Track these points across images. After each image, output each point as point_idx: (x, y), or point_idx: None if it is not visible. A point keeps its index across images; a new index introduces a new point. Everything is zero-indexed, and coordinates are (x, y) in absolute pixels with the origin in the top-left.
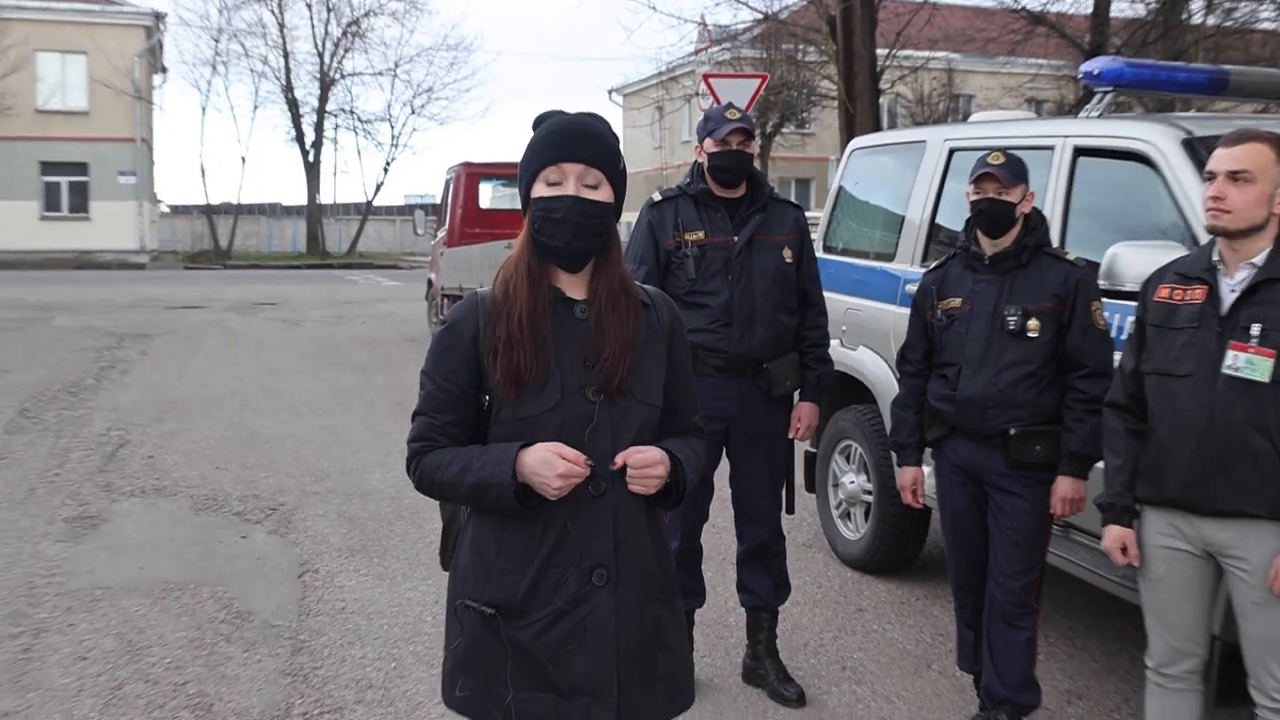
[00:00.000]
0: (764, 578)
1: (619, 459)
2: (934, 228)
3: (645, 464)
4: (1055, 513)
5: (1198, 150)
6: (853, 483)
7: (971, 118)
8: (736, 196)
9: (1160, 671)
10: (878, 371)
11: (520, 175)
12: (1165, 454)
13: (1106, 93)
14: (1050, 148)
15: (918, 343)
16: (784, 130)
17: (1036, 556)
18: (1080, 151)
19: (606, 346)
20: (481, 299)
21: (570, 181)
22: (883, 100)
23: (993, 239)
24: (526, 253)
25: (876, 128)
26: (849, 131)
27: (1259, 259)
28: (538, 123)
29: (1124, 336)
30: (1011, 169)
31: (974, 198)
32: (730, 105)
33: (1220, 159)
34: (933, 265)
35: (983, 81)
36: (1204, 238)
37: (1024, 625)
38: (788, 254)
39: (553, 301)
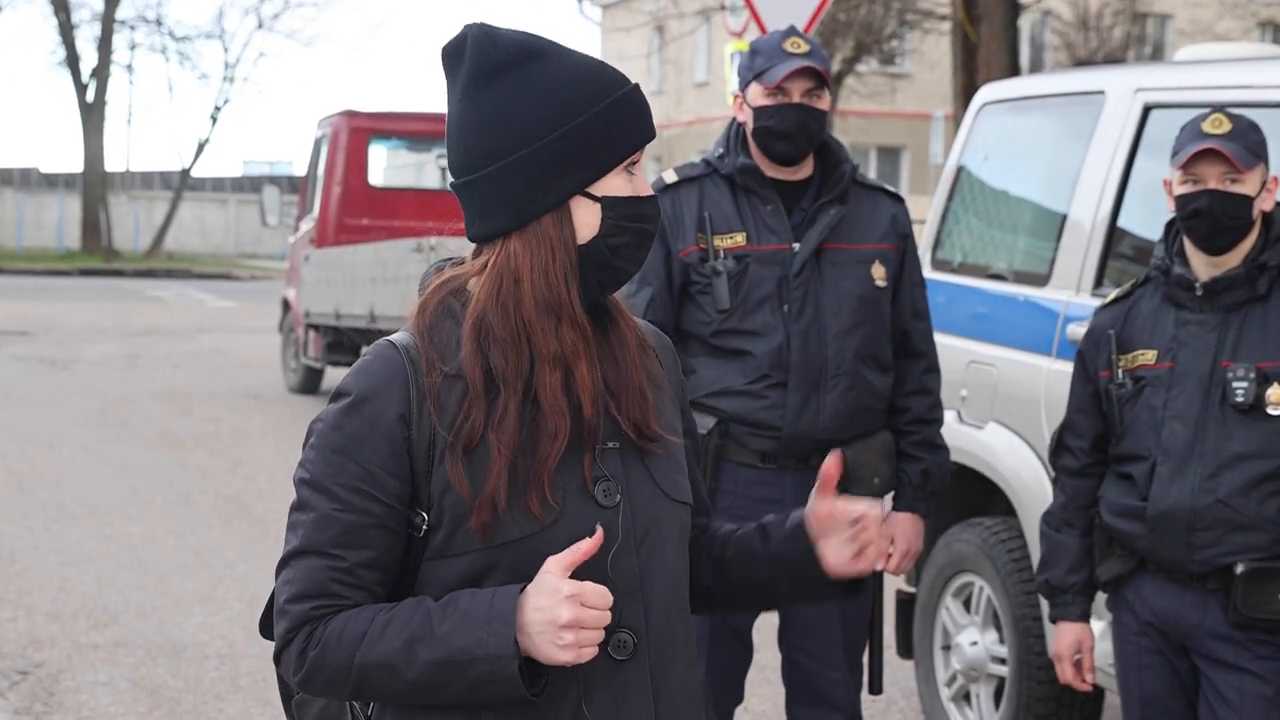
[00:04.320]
0: None
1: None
2: (1115, 233)
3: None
4: None
5: None
6: (975, 644)
7: (1178, 54)
8: (799, 179)
9: None
10: (1020, 465)
11: (560, 157)
12: None
13: None
14: None
15: (1084, 422)
16: (860, 70)
17: None
18: None
19: (617, 382)
20: (405, 350)
21: (640, 173)
22: (1023, 22)
23: (1212, 255)
24: (573, 291)
25: (1014, 66)
26: (968, 72)
27: None
28: (524, 55)
29: None
30: (1245, 141)
31: (1184, 189)
32: (792, 31)
33: None
34: (1111, 297)
35: None
36: None
37: None
38: (880, 273)
39: None
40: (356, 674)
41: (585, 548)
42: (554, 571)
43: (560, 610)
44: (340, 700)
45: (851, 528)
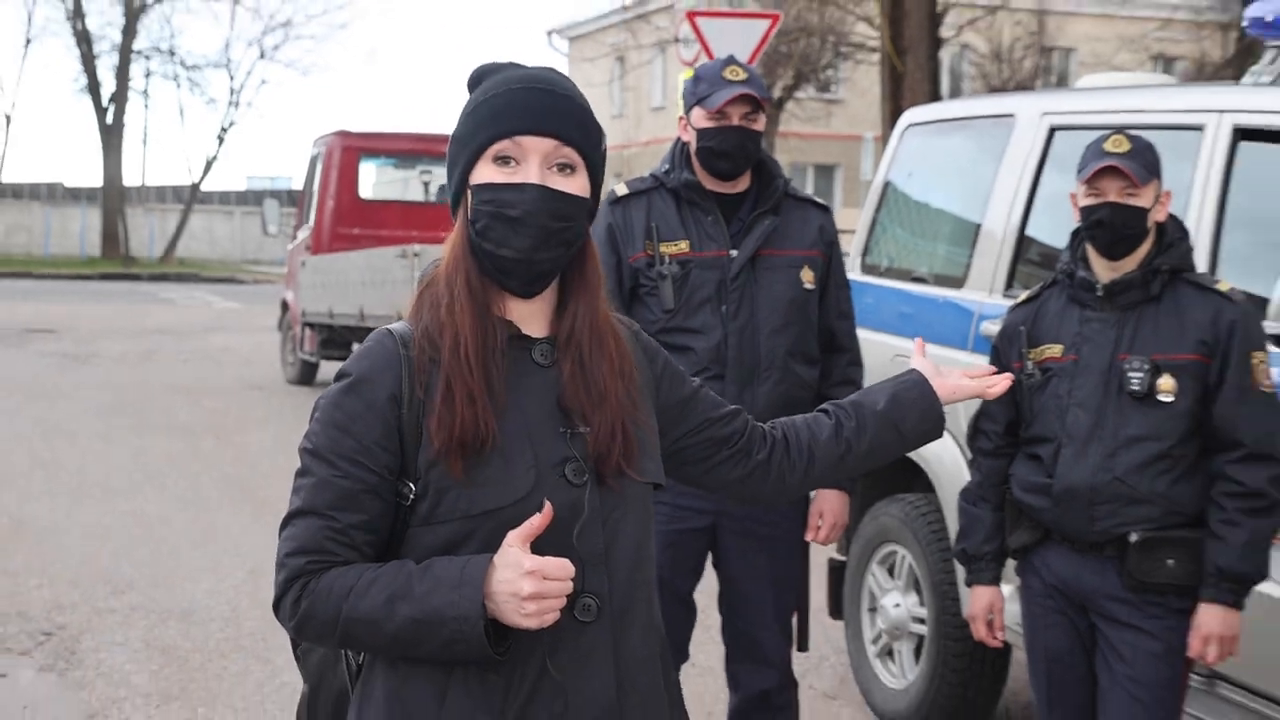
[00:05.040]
0: None
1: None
2: (1024, 241)
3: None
4: (1195, 656)
5: None
6: (898, 606)
7: (1080, 82)
8: (737, 192)
9: None
10: (937, 447)
11: (453, 153)
12: None
13: None
14: (1198, 128)
15: (998, 409)
16: (798, 96)
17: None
18: (1242, 133)
19: (595, 410)
20: (401, 338)
21: (533, 163)
22: (944, 54)
23: (1112, 260)
24: (464, 265)
25: (935, 93)
26: (895, 98)
27: None
28: (478, 79)
29: None
30: (1142, 159)
31: (1087, 201)
32: (731, 60)
33: None
34: (1022, 297)
35: (1088, 29)
36: None
37: None
38: (808, 277)
39: (504, 340)
40: (343, 625)
41: (536, 524)
42: (515, 545)
43: (522, 584)
44: (330, 649)
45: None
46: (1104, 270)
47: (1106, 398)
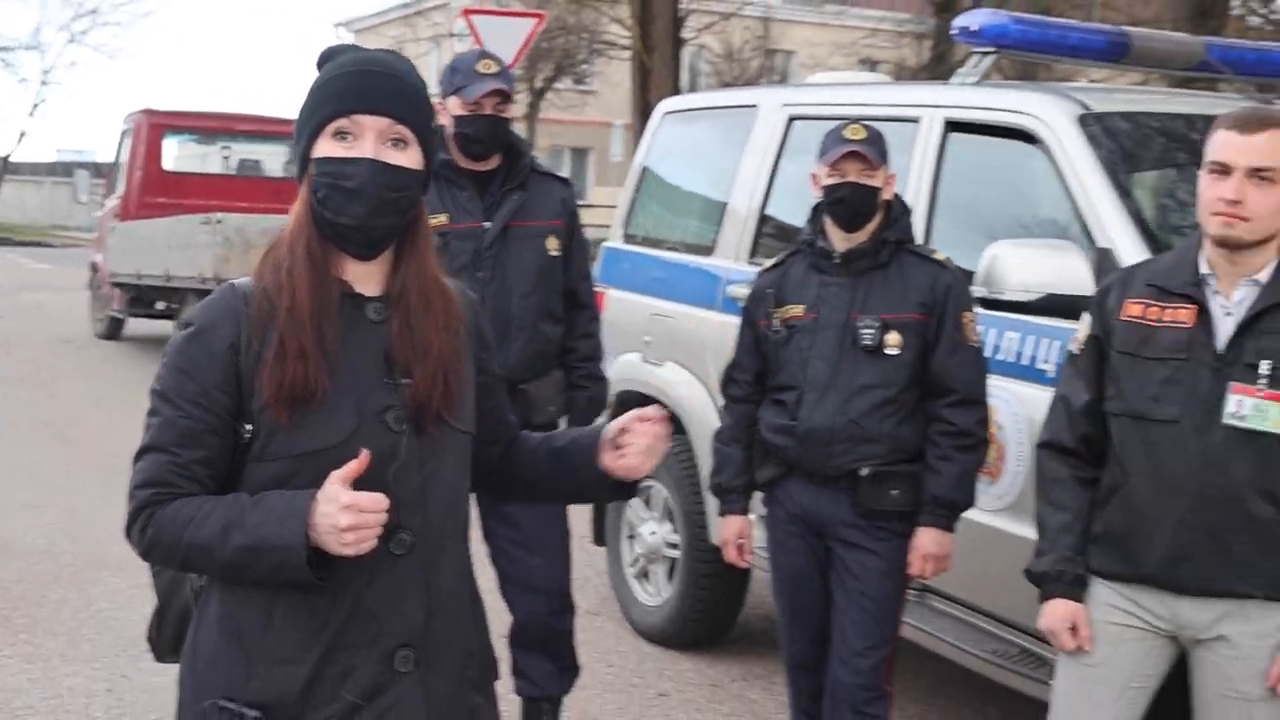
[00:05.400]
0: (543, 660)
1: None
2: (765, 215)
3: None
4: (914, 572)
5: (1097, 129)
6: (654, 534)
7: (813, 78)
8: (489, 170)
9: None
10: (689, 394)
11: (298, 129)
12: (1140, 519)
13: (987, 54)
14: (915, 120)
15: (748, 360)
16: (558, 86)
17: (890, 628)
18: (952, 125)
19: (418, 362)
20: (243, 293)
21: (368, 139)
22: (684, 53)
23: (848, 232)
24: (305, 232)
25: (676, 87)
26: (643, 90)
27: (1263, 275)
28: (324, 60)
29: (1009, 357)
30: (877, 146)
31: (829, 181)
32: (485, 55)
33: (1238, 149)
34: (769, 264)
35: (808, 35)
36: (1104, 238)
37: (875, 713)
38: (553, 245)
39: (339, 299)
40: (184, 551)
41: (354, 466)
42: (335, 483)
43: (340, 517)
44: (175, 570)
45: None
46: (840, 241)
47: (842, 351)
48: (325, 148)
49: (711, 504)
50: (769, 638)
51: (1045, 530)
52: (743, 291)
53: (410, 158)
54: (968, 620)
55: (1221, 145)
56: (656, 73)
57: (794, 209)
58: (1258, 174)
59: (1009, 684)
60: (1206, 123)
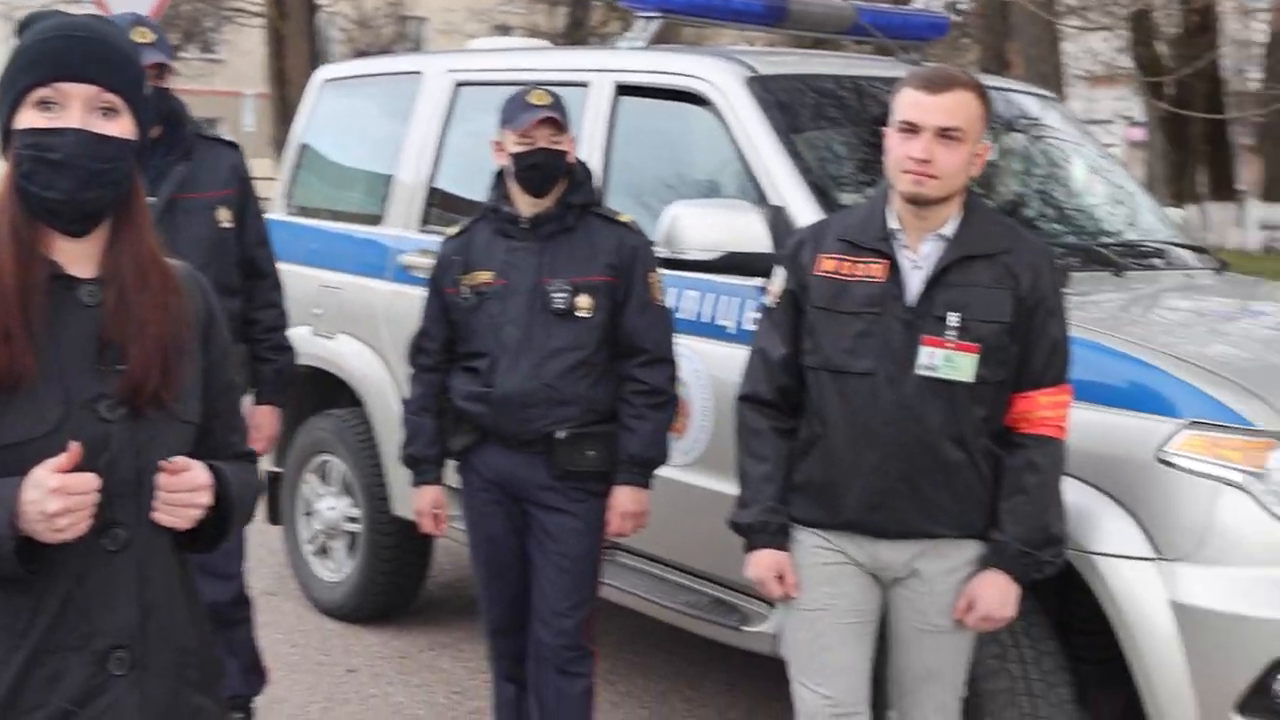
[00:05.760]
0: (228, 657)
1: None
2: (434, 182)
3: (187, 484)
4: (613, 531)
5: (764, 91)
6: (333, 509)
7: (472, 44)
8: (151, 139)
9: None
10: (364, 365)
11: None
12: (838, 468)
13: (652, 18)
14: (585, 84)
15: (436, 329)
16: (184, 55)
17: (590, 587)
18: (622, 89)
19: (134, 343)
20: None
21: (75, 108)
22: (317, 19)
23: (536, 197)
24: (9, 208)
25: (312, 54)
26: (279, 57)
27: (948, 229)
28: (24, 25)
29: (691, 316)
30: (561, 111)
31: (519, 148)
32: (140, 21)
33: (927, 109)
34: (453, 231)
35: (441, 1)
36: (776, 196)
37: (580, 671)
38: (225, 215)
39: (46, 280)
40: None
41: (61, 462)
42: (43, 471)
43: (49, 502)
44: None
45: None
46: (526, 206)
47: (533, 315)
48: (28, 118)
49: (393, 475)
50: (453, 605)
51: (747, 481)
52: (415, 260)
53: (121, 127)
54: (658, 574)
55: (910, 104)
56: (291, 40)
57: (464, 176)
58: (944, 133)
59: (703, 633)
60: (868, 84)
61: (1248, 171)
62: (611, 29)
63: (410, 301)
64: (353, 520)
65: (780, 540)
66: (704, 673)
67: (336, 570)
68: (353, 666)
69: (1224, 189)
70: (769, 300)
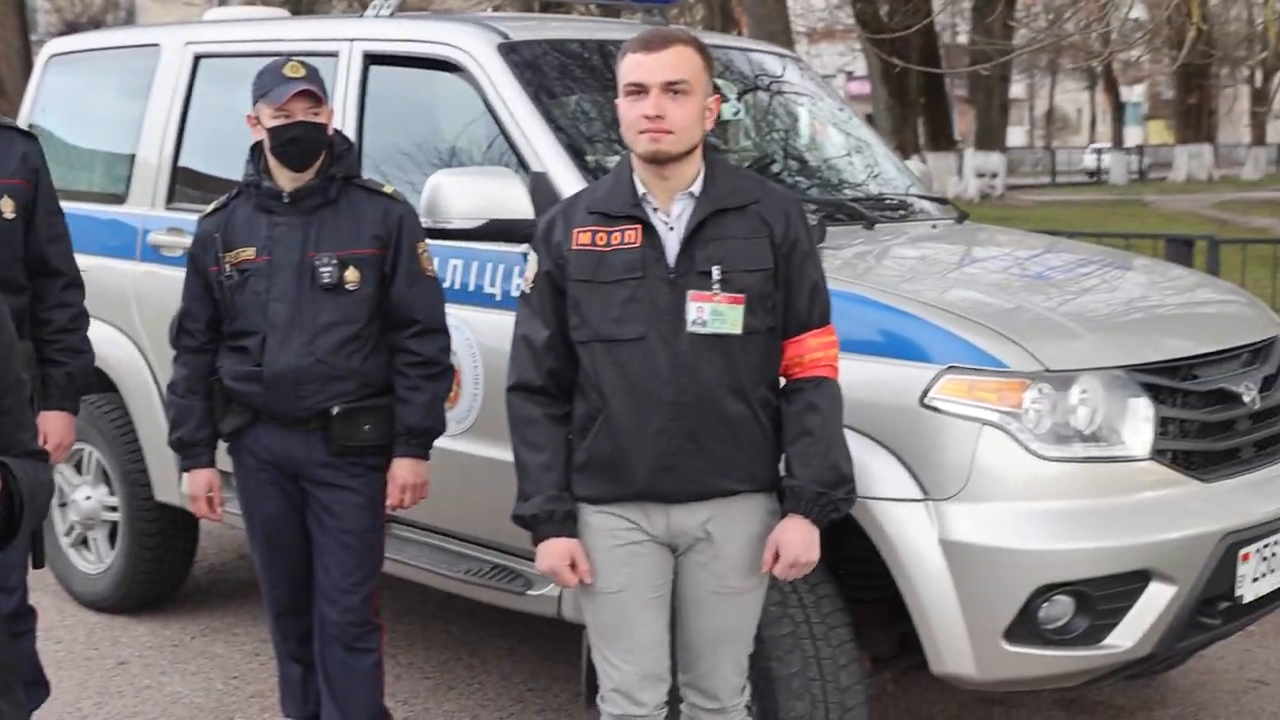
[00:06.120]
0: None
1: None
2: (180, 158)
3: None
4: (393, 503)
5: (517, 57)
6: (89, 499)
7: (208, 14)
8: None
9: (631, 713)
10: (116, 350)
11: None
12: (624, 437)
13: None
14: (334, 54)
15: (199, 308)
16: None
17: (374, 561)
18: (372, 59)
19: None
20: None
21: None
22: None
23: (296, 171)
24: None
25: (23, 28)
26: None
27: (695, 187)
28: None
29: (457, 285)
30: (318, 82)
31: (275, 122)
32: None
33: (650, 68)
34: (211, 208)
35: None
36: (537, 163)
37: (369, 647)
38: (9, 206)
39: None
40: None
41: None
42: None
43: None
44: None
45: None
46: (286, 180)
47: (301, 291)
48: None
49: (154, 461)
50: (221, 590)
51: (527, 472)
52: (164, 239)
53: None
54: (437, 545)
55: (634, 67)
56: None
57: (209, 151)
58: (671, 88)
59: (488, 600)
60: (614, 47)
61: (961, 122)
62: None
63: (162, 281)
64: (112, 509)
65: (569, 528)
66: (483, 639)
67: (98, 561)
68: (123, 658)
69: (942, 140)
70: (525, 286)
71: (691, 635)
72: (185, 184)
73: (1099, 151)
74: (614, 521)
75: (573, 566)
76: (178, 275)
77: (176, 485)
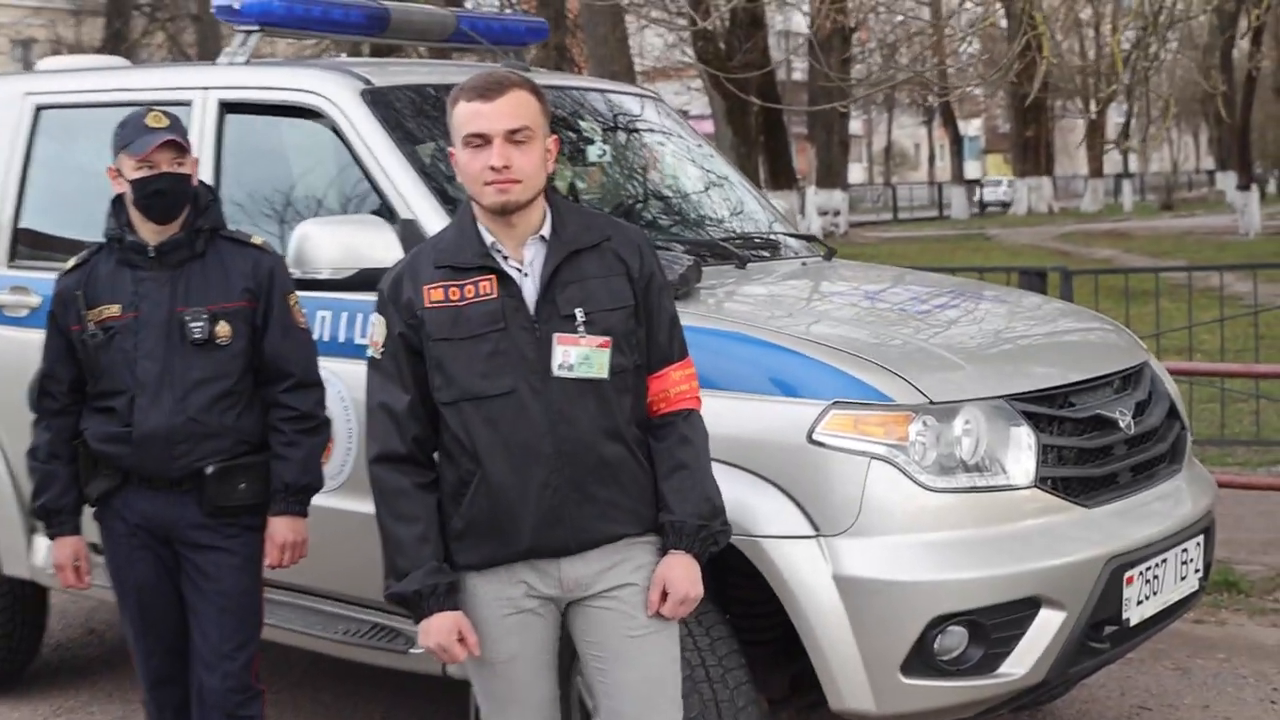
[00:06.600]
0: None
1: None
2: (21, 214)
3: None
4: (272, 563)
5: (381, 103)
6: None
7: (41, 65)
8: None
9: None
10: None
11: None
12: (505, 496)
13: (251, 32)
14: (186, 103)
15: (62, 370)
16: None
17: (254, 624)
18: (228, 106)
19: None
20: None
21: None
22: None
23: (161, 224)
24: None
25: None
26: None
27: (545, 230)
28: None
29: (328, 336)
30: (181, 132)
31: (139, 175)
32: None
33: (490, 116)
34: (70, 264)
35: None
36: (406, 209)
37: (250, 714)
38: None
39: None
40: None
41: None
42: None
43: None
44: None
45: None
46: (151, 234)
47: (171, 347)
48: None
49: (3, 532)
50: (72, 667)
51: (401, 547)
52: (6, 299)
53: None
54: (312, 606)
55: (472, 116)
56: None
57: (53, 205)
58: (513, 136)
59: (368, 661)
60: None
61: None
62: (158, 39)
63: (8, 343)
64: None
65: (452, 601)
66: (356, 705)
67: None
68: None
69: (782, 178)
70: (374, 352)
71: (623, 699)
72: (26, 242)
73: (1010, 184)
74: (502, 588)
75: (462, 641)
76: (24, 336)
77: (25, 557)
